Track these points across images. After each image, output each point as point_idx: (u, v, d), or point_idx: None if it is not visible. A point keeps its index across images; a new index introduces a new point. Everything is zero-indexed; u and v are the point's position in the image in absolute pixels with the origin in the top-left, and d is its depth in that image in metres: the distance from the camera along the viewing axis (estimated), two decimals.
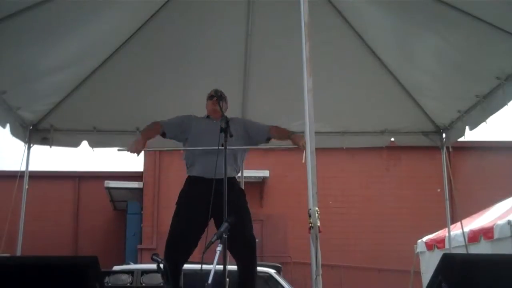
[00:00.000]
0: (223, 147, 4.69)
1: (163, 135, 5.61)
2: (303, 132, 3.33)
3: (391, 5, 5.45)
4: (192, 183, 5.38)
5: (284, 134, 5.58)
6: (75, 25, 5.39)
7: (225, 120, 4.71)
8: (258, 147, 7.64)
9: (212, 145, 5.00)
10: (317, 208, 3.09)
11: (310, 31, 3.36)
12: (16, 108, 6.29)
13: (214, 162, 4.87)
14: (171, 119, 5.63)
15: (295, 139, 5.33)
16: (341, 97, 6.97)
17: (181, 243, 5.21)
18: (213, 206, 4.80)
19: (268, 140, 5.71)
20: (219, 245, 3.99)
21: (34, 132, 6.98)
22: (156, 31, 6.04)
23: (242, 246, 5.11)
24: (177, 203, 5.44)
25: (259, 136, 5.66)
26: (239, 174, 5.86)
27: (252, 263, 5.27)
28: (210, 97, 5.53)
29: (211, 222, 5.08)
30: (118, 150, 5.58)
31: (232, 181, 5.29)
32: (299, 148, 5.16)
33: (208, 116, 5.59)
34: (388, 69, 6.56)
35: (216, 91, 5.53)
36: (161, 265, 4.86)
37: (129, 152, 5.31)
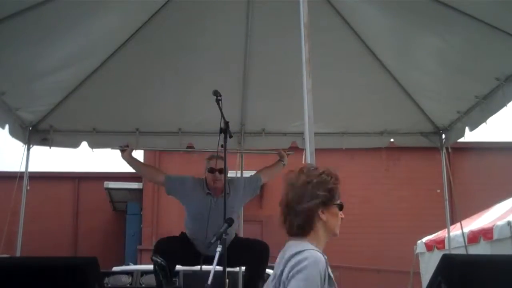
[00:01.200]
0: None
1: (164, 183, 5.83)
2: (302, 133, 3.33)
3: (390, 5, 5.45)
4: (187, 241, 5.56)
5: (273, 165, 6.02)
6: (74, 25, 5.39)
7: (225, 122, 4.75)
8: (257, 149, 7.72)
9: (208, 227, 5.21)
10: None
11: (309, 32, 3.36)
12: (15, 109, 6.30)
13: (208, 245, 5.04)
14: (176, 177, 5.92)
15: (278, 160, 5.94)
16: (340, 97, 6.97)
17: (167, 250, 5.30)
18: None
19: (259, 187, 5.89)
20: (218, 246, 3.99)
21: (33, 133, 6.98)
22: (155, 32, 6.04)
23: (255, 251, 5.23)
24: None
25: (254, 185, 5.79)
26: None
27: (262, 267, 5.35)
28: (211, 170, 5.44)
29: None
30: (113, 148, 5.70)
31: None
32: (280, 156, 5.93)
33: (208, 192, 5.53)
34: (388, 69, 6.56)
35: (215, 159, 5.45)
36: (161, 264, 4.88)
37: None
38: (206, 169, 5.53)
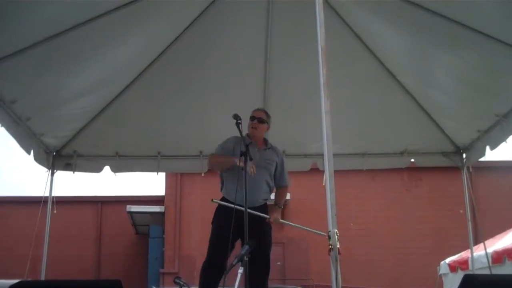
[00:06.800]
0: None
1: None
2: (323, 154, 3.35)
3: (408, 26, 5.49)
4: (225, 207, 5.45)
5: (276, 200, 5.82)
6: (97, 53, 5.51)
7: (245, 144, 4.81)
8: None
9: (251, 177, 5.12)
10: (336, 230, 3.10)
11: (327, 54, 3.39)
12: (40, 134, 6.40)
13: (252, 195, 5.07)
14: (224, 147, 5.65)
15: (271, 210, 5.57)
16: (360, 118, 7.00)
17: (219, 264, 5.25)
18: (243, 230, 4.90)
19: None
20: (240, 267, 4.01)
21: (57, 158, 7.07)
22: (176, 57, 6.13)
23: (256, 267, 5.16)
24: (212, 223, 5.58)
25: (277, 180, 5.73)
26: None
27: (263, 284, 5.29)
28: (251, 118, 5.61)
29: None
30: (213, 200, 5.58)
31: (262, 208, 5.46)
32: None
33: (250, 143, 5.45)
34: (406, 89, 6.58)
35: (259, 111, 5.66)
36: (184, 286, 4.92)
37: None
38: (249, 118, 5.63)
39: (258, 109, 5.70)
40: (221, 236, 5.27)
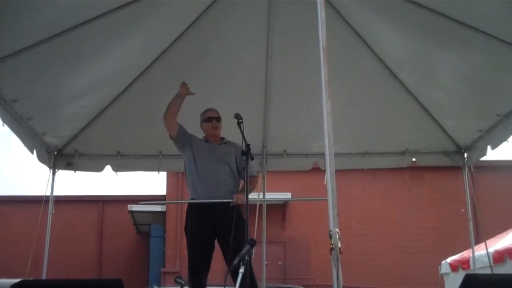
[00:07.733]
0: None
1: (174, 131, 5.75)
2: (324, 154, 3.35)
3: (410, 26, 5.49)
4: (196, 206, 5.52)
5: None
6: (98, 52, 5.52)
7: (246, 144, 4.81)
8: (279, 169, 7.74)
9: (211, 171, 5.43)
10: (337, 229, 3.10)
11: (329, 54, 3.39)
12: (41, 134, 6.41)
13: (216, 188, 5.31)
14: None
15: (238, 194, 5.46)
16: (361, 118, 7.00)
17: (200, 267, 5.35)
18: (216, 229, 5.23)
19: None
20: (241, 267, 4.01)
21: (59, 157, 7.08)
22: (177, 57, 6.14)
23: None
24: (185, 230, 5.58)
25: (241, 172, 5.62)
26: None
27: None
28: (208, 119, 5.68)
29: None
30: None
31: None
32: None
33: (206, 140, 5.70)
34: (408, 89, 6.58)
35: (213, 111, 5.71)
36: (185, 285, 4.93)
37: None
38: (203, 120, 5.71)
39: (212, 109, 5.74)
40: (197, 241, 5.38)
